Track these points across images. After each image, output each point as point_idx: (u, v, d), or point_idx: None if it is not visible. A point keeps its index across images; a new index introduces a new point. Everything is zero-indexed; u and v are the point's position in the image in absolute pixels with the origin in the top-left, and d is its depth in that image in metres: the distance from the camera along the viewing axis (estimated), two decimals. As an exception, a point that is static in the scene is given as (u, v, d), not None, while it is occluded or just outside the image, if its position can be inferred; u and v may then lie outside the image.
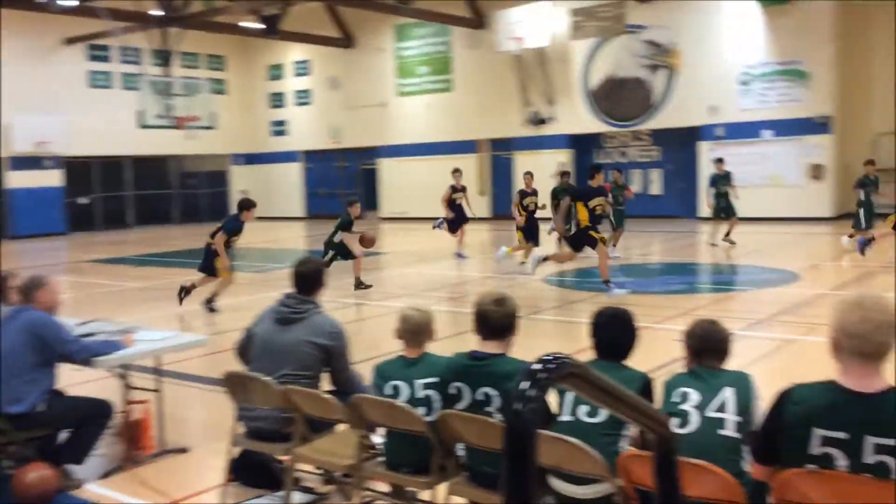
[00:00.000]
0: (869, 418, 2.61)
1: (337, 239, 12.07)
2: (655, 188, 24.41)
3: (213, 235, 10.85)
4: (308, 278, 4.65)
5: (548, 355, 1.41)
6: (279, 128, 32.19)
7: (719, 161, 16.99)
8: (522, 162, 25.49)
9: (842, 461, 2.65)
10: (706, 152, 22.17)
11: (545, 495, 3.44)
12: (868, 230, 14.22)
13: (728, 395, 3.21)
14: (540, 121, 25.38)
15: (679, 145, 23.46)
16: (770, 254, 15.02)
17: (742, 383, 3.26)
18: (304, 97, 31.30)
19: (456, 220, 16.01)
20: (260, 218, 32.25)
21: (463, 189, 16.34)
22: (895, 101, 20.25)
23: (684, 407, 3.24)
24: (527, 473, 1.27)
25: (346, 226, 12.10)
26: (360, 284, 12.15)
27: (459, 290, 11.79)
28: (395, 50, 28.45)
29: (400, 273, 14.46)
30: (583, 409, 3.38)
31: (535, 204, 14.24)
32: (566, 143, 25.18)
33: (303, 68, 31.16)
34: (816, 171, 20.99)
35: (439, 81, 27.53)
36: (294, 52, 30.85)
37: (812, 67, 20.84)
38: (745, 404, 3.19)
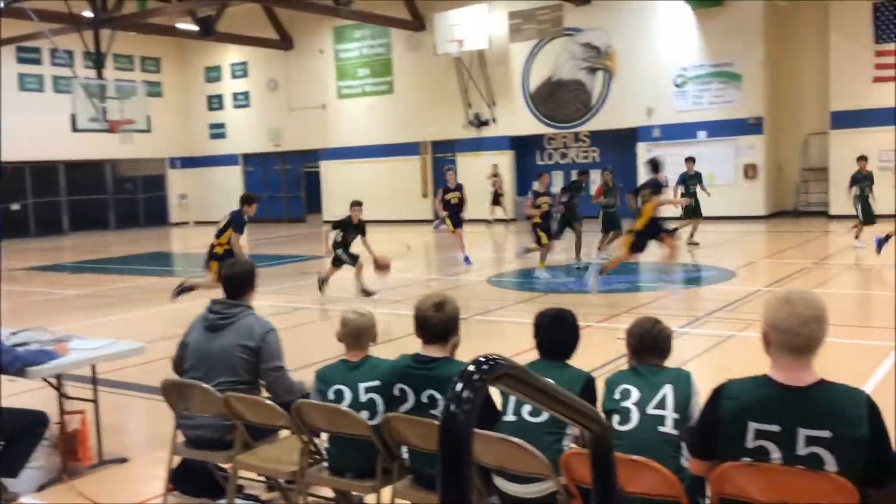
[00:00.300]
0: (800, 411, 2.68)
1: (346, 240, 11.76)
2: (595, 189, 24.71)
3: (218, 235, 10.68)
4: (236, 281, 4.53)
5: (482, 357, 1.42)
6: (217, 130, 31.73)
7: (690, 160, 16.89)
8: (465, 164, 25.61)
9: (776, 454, 2.72)
10: (644, 153, 22.54)
11: (490, 495, 3.46)
12: (866, 226, 14.41)
13: (667, 392, 3.27)
14: (481, 123, 25.51)
15: (617, 146, 23.81)
16: (707, 252, 15.34)
17: (681, 381, 3.33)
18: (242, 99, 30.92)
19: (453, 219, 15.27)
20: (199, 222, 31.86)
21: (458, 188, 15.51)
22: (824, 102, 20.91)
23: (625, 404, 3.29)
24: (462, 475, 1.28)
25: (346, 228, 11.81)
26: (365, 292, 11.60)
27: (403, 292, 11.77)
28: (334, 52, 28.29)
29: (343, 276, 14.37)
30: (526, 409, 3.41)
31: (549, 204, 13.47)
32: (508, 145, 25.36)
33: (240, 70, 30.77)
34: (750, 171, 21.52)
35: (380, 84, 27.47)
36: (231, 54, 30.45)
37: (744, 69, 21.38)
38: (684, 401, 3.25)
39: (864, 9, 20.01)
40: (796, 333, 2.67)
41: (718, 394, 2.89)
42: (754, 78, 21.35)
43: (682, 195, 16.33)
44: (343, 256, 11.80)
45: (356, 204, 11.99)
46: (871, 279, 11.24)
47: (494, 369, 1.39)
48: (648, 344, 3.49)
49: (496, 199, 24.29)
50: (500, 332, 9.33)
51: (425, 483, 3.65)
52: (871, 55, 20.05)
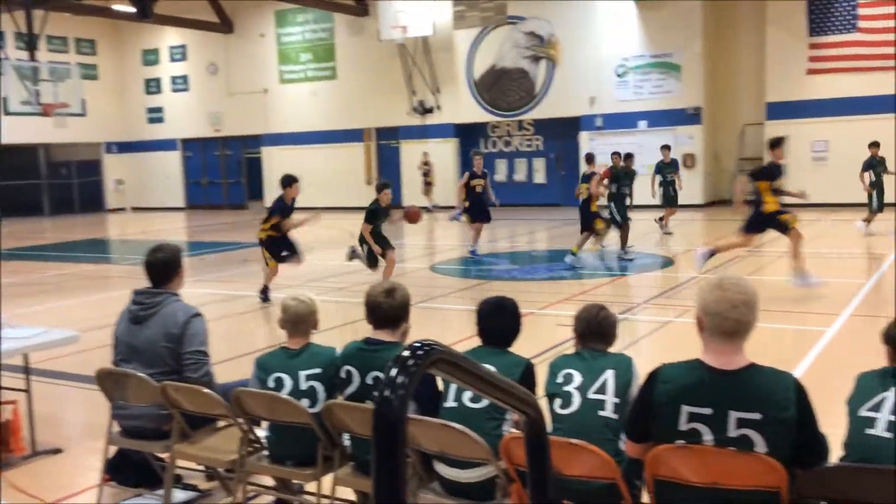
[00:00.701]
0: (731, 394, 2.75)
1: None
2: (539, 177, 24.93)
3: (266, 221, 10.33)
4: (159, 268, 4.34)
5: (417, 342, 1.43)
6: (155, 115, 31.05)
7: (665, 148, 16.96)
8: (409, 151, 25.58)
9: (708, 436, 2.78)
10: (587, 142, 22.80)
11: (431, 481, 3.48)
12: (878, 212, 14.62)
13: (609, 377, 3.32)
14: (425, 110, 25.47)
15: (561, 135, 24.02)
16: (647, 239, 15.59)
17: (622, 366, 3.38)
18: (181, 83, 30.30)
19: (473, 209, 14.12)
20: (136, 208, 31.23)
21: (484, 175, 14.22)
22: (761, 94, 21.39)
23: (567, 388, 3.34)
24: (396, 459, 1.28)
25: (372, 216, 10.73)
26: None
27: (347, 279, 11.71)
28: (276, 36, 27.91)
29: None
30: (467, 396, 3.43)
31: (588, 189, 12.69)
32: (452, 133, 25.37)
33: (179, 53, 30.15)
34: (689, 161, 21.91)
35: (323, 69, 27.20)
36: (170, 37, 29.80)
37: (683, 60, 21.74)
38: (624, 386, 3.31)
39: (799, 3, 20.51)
40: (726, 317, 2.74)
41: (653, 378, 2.94)
42: (693, 69, 21.73)
43: (660, 184, 16.55)
44: (361, 253, 10.95)
45: (385, 186, 10.95)
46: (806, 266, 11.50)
47: (429, 355, 1.39)
48: (594, 329, 3.54)
49: (427, 188, 24.39)
50: (444, 319, 9.35)
51: (367, 470, 3.65)
52: (805, 48, 20.57)
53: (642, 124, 22.42)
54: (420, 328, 7.65)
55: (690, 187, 22.04)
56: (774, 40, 20.88)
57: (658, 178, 16.69)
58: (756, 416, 2.73)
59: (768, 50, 21.04)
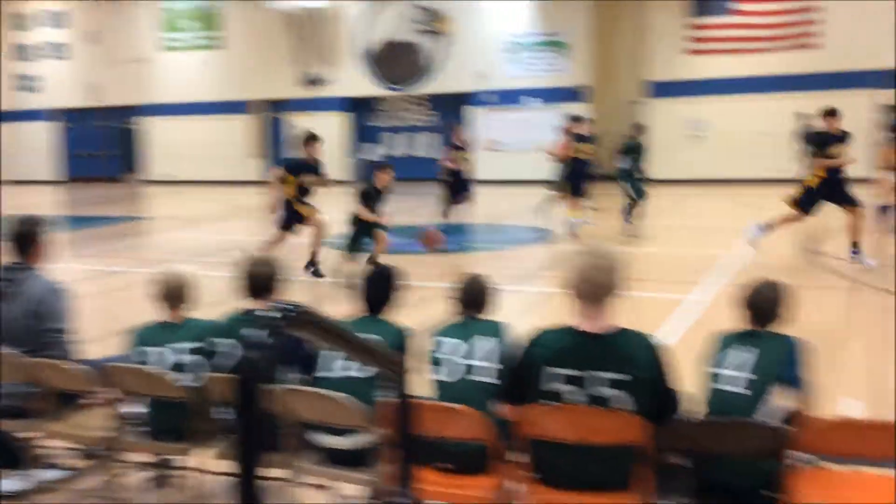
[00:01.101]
0: (597, 356, 2.89)
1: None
2: (433, 152, 24.97)
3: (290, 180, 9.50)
4: (19, 241, 4.10)
5: (284, 304, 1.42)
6: (28, 83, 29.39)
7: (637, 127, 16.62)
8: (297, 124, 25.13)
9: (577, 396, 2.91)
10: (478, 118, 23.00)
11: (309, 450, 3.48)
12: None
13: (486, 343, 3.40)
14: (315, 82, 25.08)
15: (454, 110, 24.12)
16: (535, 214, 15.88)
17: (499, 332, 3.47)
18: (57, 50, 28.76)
19: (454, 186, 13.20)
20: (7, 181, 29.53)
21: (464, 147, 13.32)
22: (645, 72, 22.03)
23: (444, 355, 3.40)
24: (258, 417, 1.28)
25: (367, 197, 9.55)
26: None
27: (231, 255, 11.46)
28: (159, 3, 26.83)
29: (167, 238, 13.84)
30: (346, 364, 3.44)
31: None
32: (343, 106, 25.09)
33: (56, 19, 28.59)
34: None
35: (208, 38, 26.36)
36: (46, 2, 28.21)
37: (571, 39, 22.16)
38: (500, 351, 3.39)
39: (681, -15, 21.20)
40: (591, 282, 2.86)
41: (528, 342, 3.05)
42: (581, 48, 22.17)
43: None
44: (352, 242, 9.66)
45: (385, 166, 9.78)
46: (677, 238, 12.02)
47: (296, 317, 1.39)
48: (471, 297, 3.62)
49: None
50: (332, 291, 9.29)
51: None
52: (686, 29, 21.29)
53: (532, 101, 22.75)
54: (307, 301, 7.59)
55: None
56: (657, 21, 21.52)
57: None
58: (622, 376, 2.87)
59: (651, 30, 21.67)
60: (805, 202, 9.67)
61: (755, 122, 19.98)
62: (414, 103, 25.13)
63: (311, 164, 9.73)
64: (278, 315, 1.38)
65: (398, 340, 3.47)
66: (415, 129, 25.14)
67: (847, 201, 9.55)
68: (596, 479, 2.98)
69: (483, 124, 23.21)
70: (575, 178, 12.47)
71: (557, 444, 2.95)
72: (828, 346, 5.47)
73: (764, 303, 3.22)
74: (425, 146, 25.01)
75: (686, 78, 21.40)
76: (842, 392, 4.90)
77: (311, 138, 9.80)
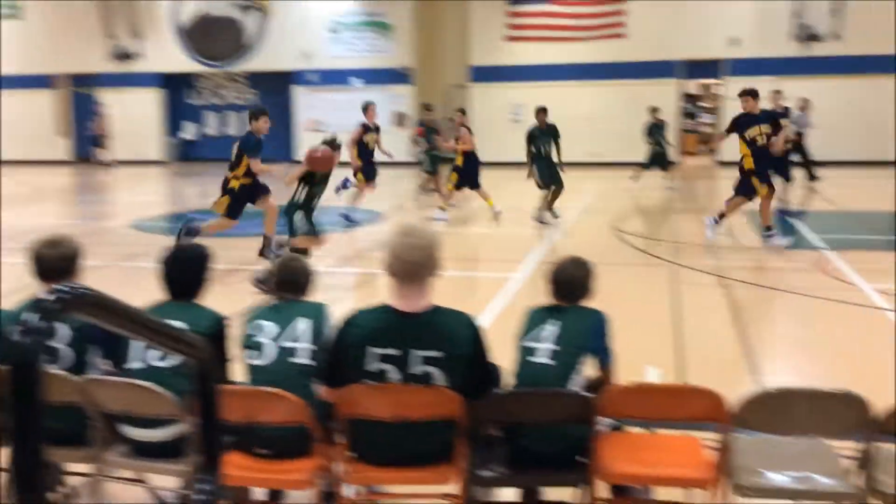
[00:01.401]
0: (413, 334, 2.92)
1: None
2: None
3: (232, 168, 8.75)
4: None
5: (61, 286, 1.32)
6: None
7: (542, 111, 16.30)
8: (108, 100, 23.71)
9: (394, 374, 2.93)
10: (301, 97, 22.62)
11: (117, 443, 3.30)
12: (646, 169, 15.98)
13: (303, 324, 3.33)
14: (125, 56, 23.71)
15: (275, 89, 23.57)
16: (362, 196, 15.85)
17: (316, 313, 3.41)
18: None
19: (368, 168, 12.40)
20: None
21: (377, 129, 12.61)
22: (465, 57, 22.45)
23: (260, 339, 3.30)
24: (33, 408, 1.19)
25: (311, 181, 7.97)
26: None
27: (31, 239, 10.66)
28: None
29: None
30: (155, 354, 3.28)
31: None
32: (157, 82, 23.91)
33: None
34: (400, 119, 22.51)
35: (8, 6, 24.27)
36: None
37: (395, 20, 22.20)
38: (317, 332, 3.33)
39: (499, -28, 21.73)
40: (405, 260, 2.88)
41: (346, 323, 3.03)
42: (404, 29, 22.27)
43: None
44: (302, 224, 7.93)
45: (332, 144, 8.06)
46: (502, 218, 12.34)
47: (72, 299, 1.29)
48: (287, 279, 3.53)
49: (98, 141, 22.37)
50: (142, 278, 8.86)
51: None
52: (505, 16, 21.86)
53: (356, 82, 22.62)
54: (115, 288, 7.19)
55: (401, 146, 22.73)
56: (477, 7, 21.96)
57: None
58: (437, 353, 2.91)
59: (472, 16, 22.09)
60: (746, 188, 9.64)
61: (570, 107, 20.85)
62: (234, 81, 24.35)
63: (261, 141, 8.97)
64: (52, 298, 1.27)
65: (212, 326, 3.34)
66: (236, 107, 24.37)
67: (780, 175, 9.77)
68: (415, 455, 3.03)
69: (306, 104, 22.87)
70: (470, 171, 12.36)
71: (376, 423, 2.96)
72: (631, 319, 5.83)
73: (569, 278, 3.36)
74: (246, 125, 24.31)
75: (506, 63, 21.99)
76: (644, 361, 5.22)
77: (259, 112, 9.15)
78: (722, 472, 2.99)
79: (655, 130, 16.65)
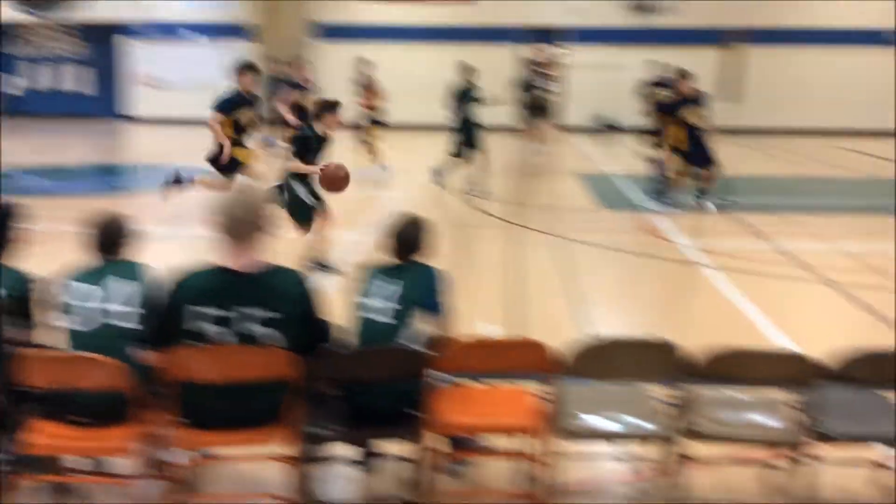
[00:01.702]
0: (244, 293, 2.86)
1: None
2: (75, 84, 22.82)
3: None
4: None
5: None
6: None
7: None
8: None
9: (224, 335, 2.86)
10: (136, 51, 21.46)
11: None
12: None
13: (124, 286, 3.13)
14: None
15: (106, 41, 22.19)
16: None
17: (138, 274, 3.18)
18: None
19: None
20: None
21: (306, 86, 12.68)
22: (309, 13, 21.94)
23: (78, 301, 3.10)
24: None
25: (308, 146, 6.43)
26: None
27: None
28: None
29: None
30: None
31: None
32: (-31, 30, 21.94)
33: None
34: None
35: None
36: None
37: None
38: (141, 295, 3.13)
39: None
40: (231, 219, 2.83)
41: (175, 283, 2.91)
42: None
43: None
44: (302, 195, 5.97)
45: (329, 107, 6.58)
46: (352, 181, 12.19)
47: None
48: (107, 240, 3.31)
49: None
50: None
51: None
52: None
53: (192, 34, 21.65)
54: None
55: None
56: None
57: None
58: (270, 313, 2.87)
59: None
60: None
61: (420, 69, 20.80)
62: (60, 31, 22.71)
63: (246, 97, 8.29)
64: None
65: (15, 286, 3.11)
66: (61, 60, 22.78)
67: (707, 161, 9.84)
68: (247, 416, 2.96)
69: (141, 58, 21.70)
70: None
71: (206, 386, 2.87)
72: (465, 276, 5.94)
73: (406, 236, 3.37)
74: (73, 79, 22.83)
75: (354, 22, 21.68)
76: (478, 317, 5.33)
77: (247, 67, 8.40)
78: (546, 419, 3.11)
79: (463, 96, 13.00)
